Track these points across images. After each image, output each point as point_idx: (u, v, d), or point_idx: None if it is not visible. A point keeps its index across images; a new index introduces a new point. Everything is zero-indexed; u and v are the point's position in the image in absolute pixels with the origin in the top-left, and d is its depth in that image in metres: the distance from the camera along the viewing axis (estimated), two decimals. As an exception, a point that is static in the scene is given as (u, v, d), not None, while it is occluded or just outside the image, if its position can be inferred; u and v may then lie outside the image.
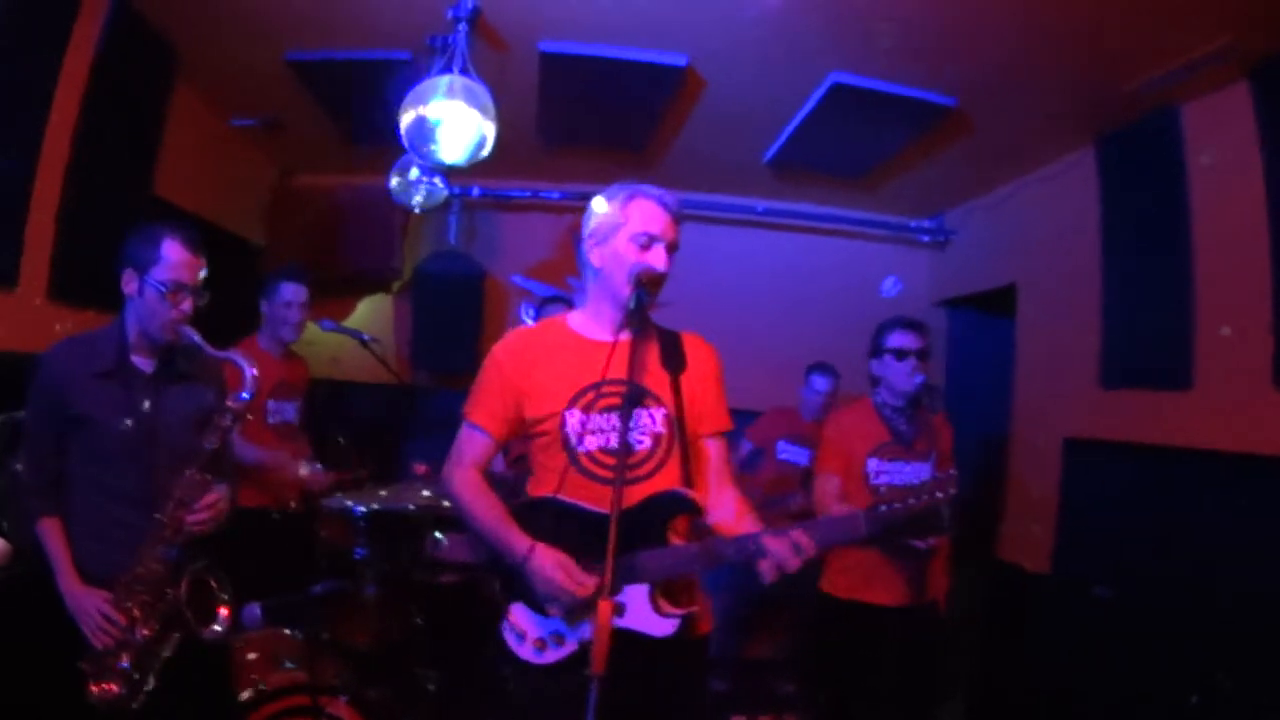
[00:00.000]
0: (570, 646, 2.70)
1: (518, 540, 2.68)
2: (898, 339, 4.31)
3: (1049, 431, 5.57)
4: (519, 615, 2.77)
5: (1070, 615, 5.14)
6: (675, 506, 2.74)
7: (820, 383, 6.26)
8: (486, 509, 2.78)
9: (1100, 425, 5.11)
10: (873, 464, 4.30)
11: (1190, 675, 4.17)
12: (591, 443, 2.77)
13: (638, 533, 2.61)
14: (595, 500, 2.70)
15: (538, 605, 2.72)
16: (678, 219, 2.86)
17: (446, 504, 4.74)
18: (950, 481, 2.63)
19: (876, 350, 4.38)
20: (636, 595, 2.65)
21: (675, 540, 2.72)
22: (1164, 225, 4.58)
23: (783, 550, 2.53)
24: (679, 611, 2.66)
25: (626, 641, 2.51)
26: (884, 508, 2.61)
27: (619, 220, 2.82)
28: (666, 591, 2.70)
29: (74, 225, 4.13)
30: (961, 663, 5.82)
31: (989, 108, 4.96)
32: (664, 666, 2.64)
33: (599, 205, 2.89)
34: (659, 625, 2.64)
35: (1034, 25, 3.98)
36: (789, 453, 6.33)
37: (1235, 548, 4.09)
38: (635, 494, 2.68)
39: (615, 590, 2.49)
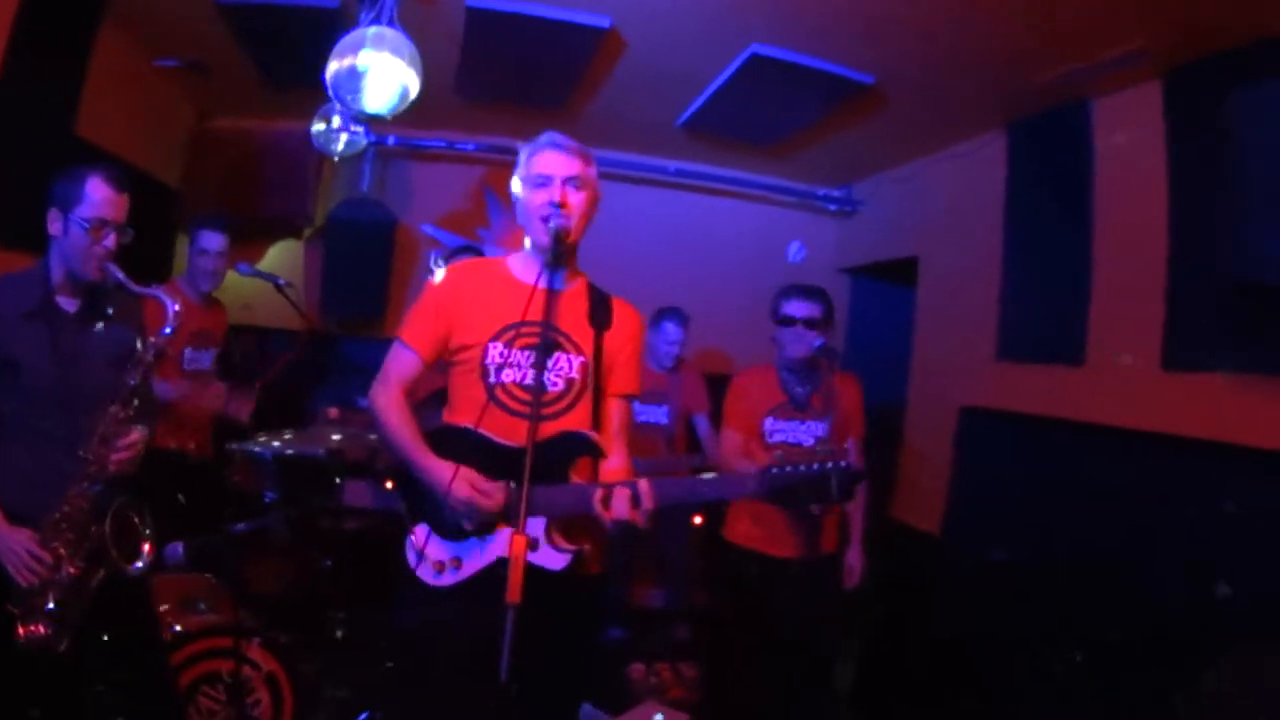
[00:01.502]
0: (467, 571, 2.84)
1: (431, 462, 2.81)
2: (793, 307, 4.44)
3: (945, 399, 5.76)
4: (422, 535, 2.90)
5: (960, 575, 5.35)
6: (578, 447, 2.90)
7: (673, 331, 6.12)
8: (405, 431, 2.89)
9: (995, 395, 5.30)
10: (769, 423, 4.48)
11: (1071, 636, 4.39)
12: (508, 376, 2.90)
13: (541, 469, 2.68)
14: (505, 433, 2.84)
15: (443, 528, 2.85)
16: (576, 154, 2.99)
17: (344, 440, 4.81)
18: (841, 454, 2.72)
19: (774, 317, 4.52)
20: (534, 528, 2.78)
21: (576, 480, 2.85)
22: (1067, 210, 4.75)
23: (620, 500, 2.69)
24: (571, 547, 2.81)
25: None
26: (775, 470, 2.72)
27: (525, 174, 3.00)
28: (564, 528, 2.85)
29: (-1, 166, 4.05)
30: (854, 619, 5.99)
31: (905, 87, 5.06)
32: (554, 599, 2.71)
33: (515, 169, 3.07)
34: (552, 559, 2.79)
35: (955, 11, 4.07)
36: (645, 413, 6.11)
37: (1117, 517, 4.30)
38: (544, 431, 2.81)
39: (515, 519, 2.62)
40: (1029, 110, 5.07)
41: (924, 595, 5.74)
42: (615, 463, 3.03)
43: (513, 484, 2.78)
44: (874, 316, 7.43)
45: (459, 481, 2.72)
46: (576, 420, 2.95)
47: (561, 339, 2.97)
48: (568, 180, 2.93)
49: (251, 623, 3.98)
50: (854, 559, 4.61)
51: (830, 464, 2.69)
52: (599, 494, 2.72)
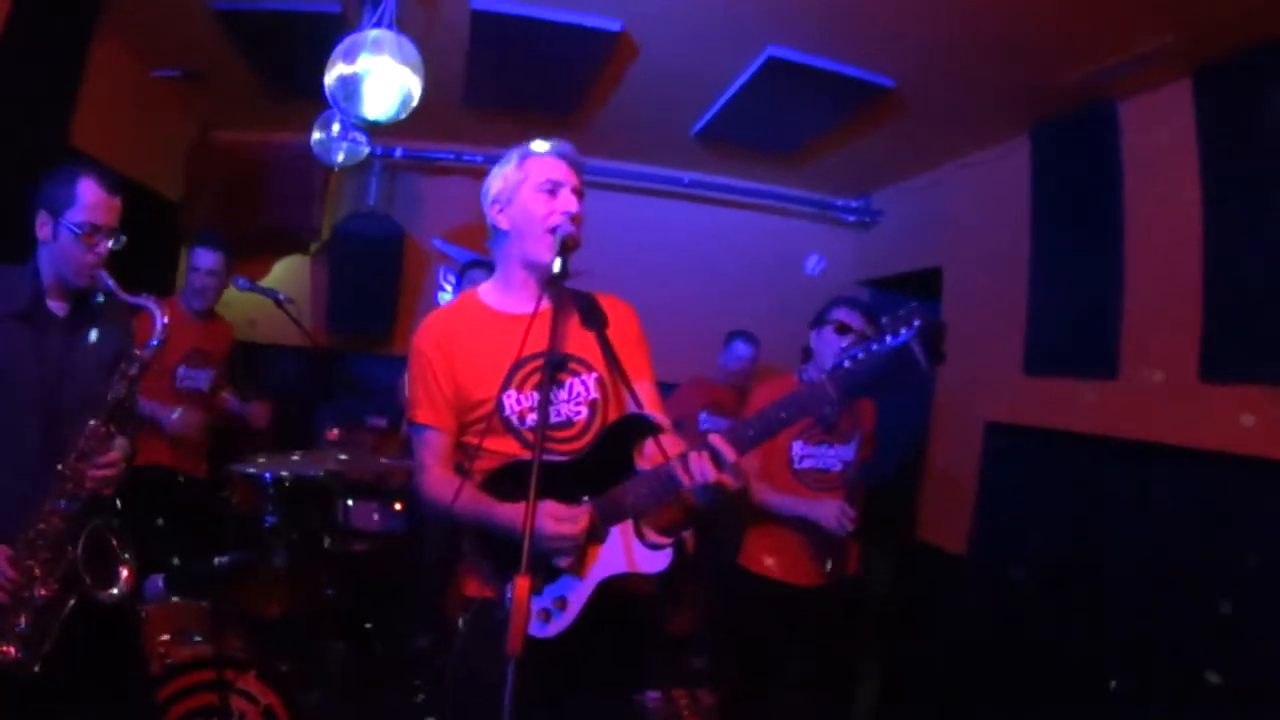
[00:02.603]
0: (574, 609, 2.61)
1: (506, 512, 2.58)
2: (844, 314, 4.23)
3: (970, 415, 5.65)
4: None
5: (986, 596, 5.23)
6: (637, 429, 2.68)
7: (743, 349, 6.25)
8: (465, 499, 2.65)
9: (1022, 411, 5.18)
10: (798, 447, 4.27)
11: (1103, 659, 4.28)
12: (532, 419, 2.71)
13: (605, 470, 2.58)
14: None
15: (538, 572, 2.57)
16: (576, 166, 2.84)
17: (345, 461, 4.70)
18: (913, 313, 2.32)
19: (819, 321, 4.30)
20: (622, 535, 2.58)
21: (644, 466, 2.63)
22: (1095, 216, 4.64)
23: (698, 463, 2.42)
24: (668, 541, 2.58)
25: (621, 587, 2.57)
26: (847, 363, 2.38)
27: (520, 177, 2.79)
28: (654, 522, 2.62)
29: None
30: (879, 640, 5.88)
31: (926, 91, 4.96)
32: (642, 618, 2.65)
33: (496, 172, 2.86)
34: (653, 560, 2.56)
35: (977, 11, 3.97)
36: (711, 424, 6.20)
37: (1152, 537, 4.18)
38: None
39: (602, 535, 2.55)
40: (1053, 113, 4.96)
41: (950, 616, 5.63)
42: (669, 439, 2.73)
43: (586, 498, 2.60)
44: (896, 331, 7.29)
45: (540, 518, 2.47)
46: None
47: (569, 362, 2.79)
48: (575, 190, 2.80)
49: (247, 653, 3.85)
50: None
51: (905, 330, 2.30)
52: (676, 465, 2.45)
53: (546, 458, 2.46)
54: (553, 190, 2.74)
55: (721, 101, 5.48)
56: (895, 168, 6.70)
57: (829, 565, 4.16)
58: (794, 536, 4.24)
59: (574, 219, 2.73)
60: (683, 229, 7.38)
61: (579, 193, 2.80)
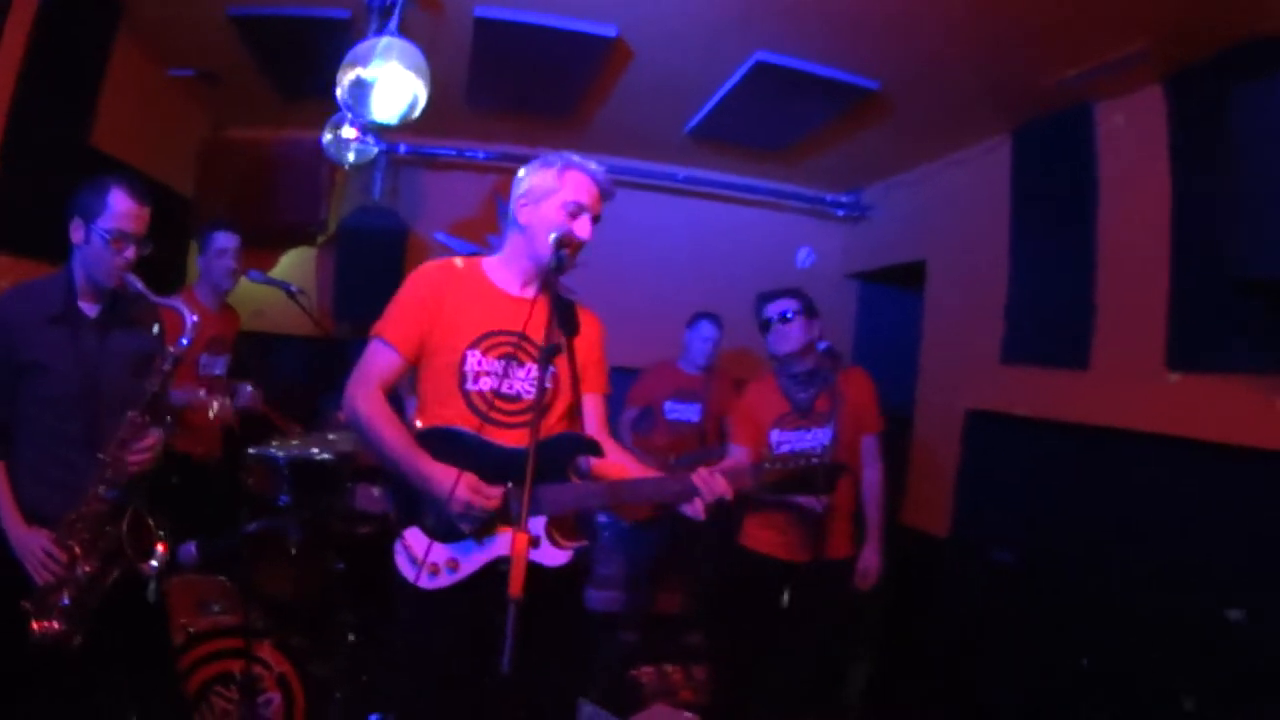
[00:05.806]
0: (465, 572, 2.87)
1: (431, 468, 2.78)
2: (775, 307, 4.46)
3: (952, 403, 5.77)
4: (415, 540, 2.90)
5: (968, 578, 5.36)
6: (577, 447, 2.93)
7: (710, 330, 6.21)
8: (393, 433, 2.84)
9: (1000, 399, 5.31)
10: (775, 435, 4.48)
11: (1078, 638, 4.42)
12: (485, 383, 2.93)
13: (541, 469, 2.71)
14: (488, 437, 2.86)
15: (438, 531, 2.85)
16: (605, 194, 3.03)
17: (356, 444, 4.82)
18: (825, 453, 3.09)
19: (764, 326, 4.52)
20: (534, 527, 2.82)
21: (574, 479, 2.89)
22: (1070, 214, 4.76)
23: (714, 483, 2.79)
24: (573, 544, 2.88)
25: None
26: (767, 464, 2.97)
27: (554, 186, 2.97)
28: (561, 526, 2.91)
29: (15, 175, 4.09)
30: (867, 621, 6.01)
31: (910, 92, 5.08)
32: (551, 596, 2.73)
33: (535, 169, 3.04)
34: (555, 556, 2.86)
35: (959, 16, 4.09)
36: (678, 411, 6.30)
37: (1122, 519, 4.32)
38: (524, 437, 2.79)
39: (515, 521, 2.65)
40: (1033, 114, 5.08)
41: (932, 598, 5.75)
42: (615, 456, 3.05)
43: (510, 484, 2.81)
44: (882, 321, 7.46)
45: (464, 487, 2.71)
46: (556, 425, 3.03)
47: (534, 348, 2.97)
48: (595, 217, 2.99)
49: (263, 624, 4.03)
50: (870, 560, 4.60)
51: (814, 460, 3.00)
52: (698, 479, 2.82)
53: (500, 444, 2.82)
54: (576, 213, 2.94)
55: (713, 102, 5.59)
56: (884, 164, 6.77)
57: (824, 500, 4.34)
58: (783, 517, 4.43)
59: (582, 243, 2.95)
60: (678, 223, 7.46)
61: (597, 218, 3.00)
